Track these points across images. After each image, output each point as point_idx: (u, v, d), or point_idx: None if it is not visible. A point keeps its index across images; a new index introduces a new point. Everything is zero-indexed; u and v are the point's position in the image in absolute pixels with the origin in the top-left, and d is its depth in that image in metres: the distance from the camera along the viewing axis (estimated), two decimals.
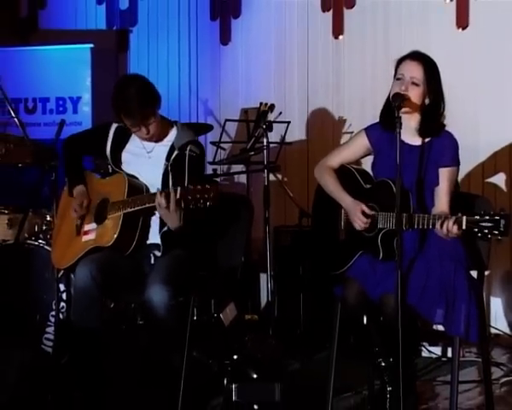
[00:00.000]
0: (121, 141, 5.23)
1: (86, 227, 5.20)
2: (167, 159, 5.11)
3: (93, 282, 4.93)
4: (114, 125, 5.27)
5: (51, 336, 5.64)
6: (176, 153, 5.10)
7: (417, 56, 4.76)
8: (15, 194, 6.26)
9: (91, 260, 5.03)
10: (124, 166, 5.21)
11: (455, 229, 4.41)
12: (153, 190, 5.03)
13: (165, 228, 5.01)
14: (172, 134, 5.20)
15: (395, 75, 4.75)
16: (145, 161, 5.18)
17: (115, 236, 5.01)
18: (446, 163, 4.71)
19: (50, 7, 8.23)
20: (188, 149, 5.10)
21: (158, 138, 5.16)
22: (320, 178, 4.95)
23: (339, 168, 4.91)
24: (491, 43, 6.99)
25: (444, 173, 4.70)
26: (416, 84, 4.70)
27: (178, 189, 4.71)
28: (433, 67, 4.76)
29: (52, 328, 5.65)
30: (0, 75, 5.84)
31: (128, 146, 5.22)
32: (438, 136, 4.74)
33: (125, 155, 5.23)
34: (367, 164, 4.99)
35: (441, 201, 4.68)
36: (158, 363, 5.10)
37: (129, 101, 5.01)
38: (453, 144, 4.74)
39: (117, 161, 5.23)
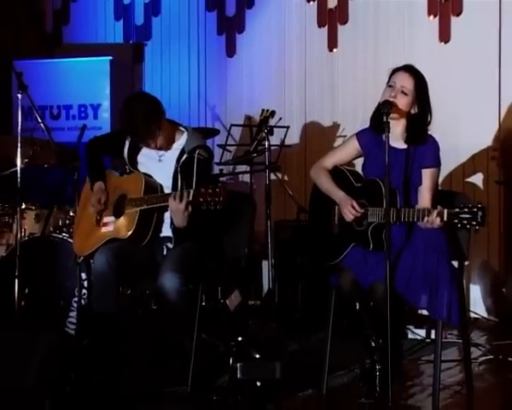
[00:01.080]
0: (137, 146, 5.22)
1: (105, 219, 5.20)
2: (177, 161, 5.10)
3: (109, 268, 4.95)
4: None
5: (74, 320, 5.64)
6: (185, 156, 5.09)
7: (410, 69, 4.79)
8: (42, 192, 6.26)
9: (108, 248, 5.05)
10: (139, 167, 5.21)
11: (437, 221, 4.44)
12: (165, 190, 5.08)
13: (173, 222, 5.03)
14: (183, 139, 5.18)
15: (388, 82, 4.77)
16: (157, 163, 5.18)
17: (132, 230, 5.02)
18: (429, 164, 4.73)
19: (73, 23, 8.22)
20: (196, 152, 5.09)
21: (167, 146, 5.15)
22: (315, 178, 4.96)
23: (332, 169, 4.92)
24: (471, 55, 7.00)
25: (426, 173, 4.72)
26: (405, 94, 4.72)
27: (191, 191, 4.73)
28: (423, 82, 4.78)
29: (75, 313, 5.65)
30: (28, 85, 5.83)
31: (143, 150, 5.21)
32: (423, 141, 4.76)
33: (140, 158, 5.23)
34: (358, 165, 5.01)
35: (424, 198, 4.70)
36: (170, 344, 5.11)
37: (133, 122, 5.01)
38: (435, 147, 4.76)
39: (133, 162, 5.23)
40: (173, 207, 4.84)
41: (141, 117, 4.97)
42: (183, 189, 4.92)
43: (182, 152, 5.11)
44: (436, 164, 4.75)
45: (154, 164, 5.18)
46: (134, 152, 5.23)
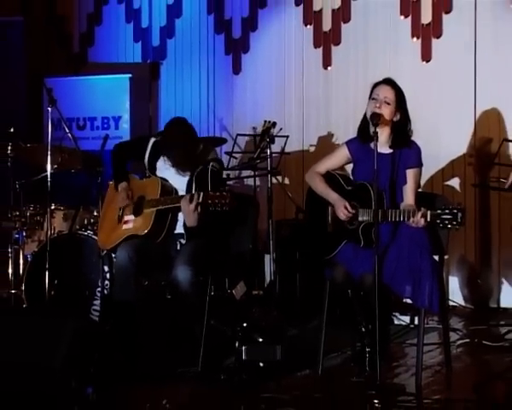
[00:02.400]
0: (157, 153, 5.23)
1: (126, 218, 5.21)
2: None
3: (130, 261, 4.97)
4: (152, 140, 5.28)
5: (97, 308, 5.65)
6: (200, 167, 5.11)
7: (389, 82, 4.80)
8: (69, 194, 6.26)
9: (129, 244, 5.06)
10: (157, 173, 5.22)
11: (422, 221, 4.46)
12: (180, 193, 5.09)
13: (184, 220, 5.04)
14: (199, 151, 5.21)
15: (370, 96, 4.77)
16: (174, 173, 5.17)
17: (149, 228, 5.03)
18: (413, 164, 4.75)
19: (97, 44, 8.22)
20: (211, 165, 5.13)
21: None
22: (310, 182, 4.95)
23: (325, 173, 4.91)
24: (449, 73, 7.01)
25: (410, 173, 4.73)
26: (388, 103, 4.72)
27: (201, 194, 4.75)
28: (401, 92, 4.80)
29: (98, 301, 5.66)
30: (57, 99, 5.83)
31: (162, 158, 5.21)
32: (406, 146, 4.76)
33: (159, 164, 5.23)
34: (348, 170, 5.01)
35: (408, 196, 4.71)
36: (182, 329, 5.11)
37: (173, 145, 5.08)
38: (417, 150, 4.78)
39: (152, 168, 5.23)
40: (185, 208, 4.86)
41: (181, 141, 5.06)
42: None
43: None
44: (419, 164, 4.78)
45: (172, 171, 5.17)
46: (154, 158, 5.23)
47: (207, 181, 5.07)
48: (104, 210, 5.49)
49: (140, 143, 5.39)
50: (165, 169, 5.19)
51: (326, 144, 7.10)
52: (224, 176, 6.69)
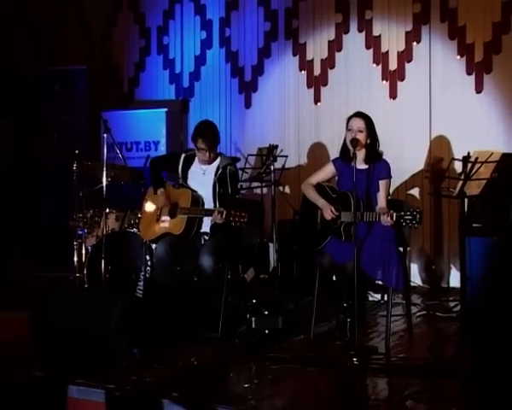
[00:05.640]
0: (188, 164, 5.24)
1: (163, 218, 5.20)
2: (215, 174, 5.13)
3: (166, 254, 4.96)
4: (183, 155, 5.29)
5: (141, 287, 5.63)
6: (220, 171, 5.13)
7: (359, 114, 4.81)
8: (119, 200, 6.26)
9: (166, 240, 5.06)
10: (188, 180, 5.22)
11: (389, 220, 4.45)
12: (206, 198, 5.09)
13: (212, 222, 5.03)
14: (218, 160, 5.21)
15: (347, 127, 4.77)
16: (202, 176, 5.18)
17: (181, 230, 5.04)
18: (384, 176, 4.76)
19: (141, 86, 8.19)
20: (228, 168, 5.15)
21: (210, 163, 5.17)
22: (304, 191, 4.95)
23: (316, 185, 4.91)
24: (410, 107, 6.99)
25: (382, 183, 4.74)
26: (361, 131, 4.73)
27: (224, 211, 4.76)
28: (370, 120, 4.79)
29: (142, 283, 5.64)
30: (111, 128, 5.84)
31: (192, 168, 5.23)
32: (378, 162, 4.75)
33: (190, 173, 5.23)
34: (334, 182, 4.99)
35: (381, 201, 4.73)
36: (206, 304, 5.09)
37: (207, 131, 5.11)
38: (387, 166, 4.79)
39: (185, 176, 5.23)
40: (215, 217, 4.86)
41: (211, 131, 5.14)
42: (221, 195, 5.04)
43: (218, 168, 5.16)
44: (388, 176, 4.78)
45: (200, 177, 5.18)
46: (186, 168, 5.23)
47: (227, 182, 5.09)
48: (144, 208, 5.44)
49: (172, 158, 5.39)
50: (196, 176, 5.18)
51: (316, 162, 7.07)
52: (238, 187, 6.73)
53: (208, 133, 5.11)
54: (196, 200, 5.09)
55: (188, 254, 5.08)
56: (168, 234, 5.11)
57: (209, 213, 4.94)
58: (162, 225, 5.19)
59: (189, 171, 5.23)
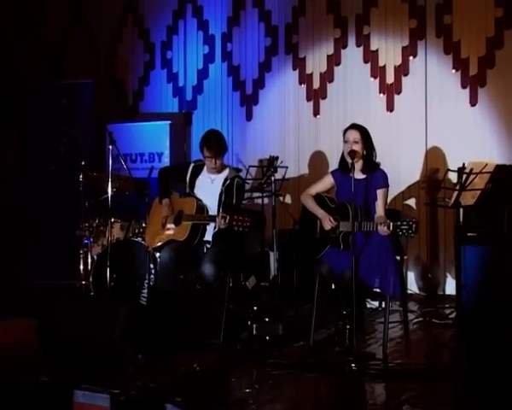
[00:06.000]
0: (196, 173, 5.27)
1: (168, 225, 5.22)
2: (223, 185, 5.15)
3: (170, 259, 4.98)
4: (192, 164, 5.33)
5: (145, 295, 5.60)
6: (228, 181, 5.15)
7: (354, 126, 4.83)
8: (124, 210, 6.26)
9: (170, 246, 5.08)
10: (196, 189, 5.23)
11: (386, 230, 4.45)
12: (211, 207, 5.10)
13: (215, 230, 5.03)
14: (226, 171, 5.25)
15: (343, 139, 4.79)
16: (209, 185, 5.20)
17: (185, 236, 5.05)
18: (381, 185, 4.75)
19: (146, 99, 8.21)
20: (236, 180, 5.16)
21: (218, 172, 5.20)
22: (304, 202, 4.95)
23: (315, 195, 4.91)
24: (407, 120, 7.00)
25: (380, 193, 4.74)
26: (357, 142, 4.74)
27: (228, 216, 4.77)
28: (365, 131, 4.80)
29: (146, 290, 5.63)
30: (116, 140, 5.85)
31: (200, 176, 5.26)
32: (375, 171, 4.75)
33: (197, 182, 5.25)
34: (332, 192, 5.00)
35: (379, 210, 4.72)
36: (208, 311, 5.09)
37: (212, 140, 5.15)
38: (384, 175, 4.79)
39: (192, 185, 5.25)
40: (218, 223, 4.88)
41: (217, 139, 5.18)
42: (225, 204, 5.02)
43: (226, 179, 5.18)
44: (386, 185, 4.77)
45: (208, 185, 5.21)
46: (194, 177, 5.27)
47: (233, 193, 5.10)
48: (150, 218, 5.48)
49: (181, 168, 5.44)
50: (203, 184, 5.20)
51: (316, 173, 7.08)
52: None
53: (213, 142, 5.15)
54: (201, 208, 5.11)
55: (191, 262, 5.08)
56: (173, 241, 5.12)
57: (213, 218, 4.94)
58: (167, 232, 5.21)
59: (197, 179, 5.26)
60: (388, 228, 4.45)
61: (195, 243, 5.08)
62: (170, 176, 5.45)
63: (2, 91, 7.87)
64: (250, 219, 4.71)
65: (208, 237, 5.12)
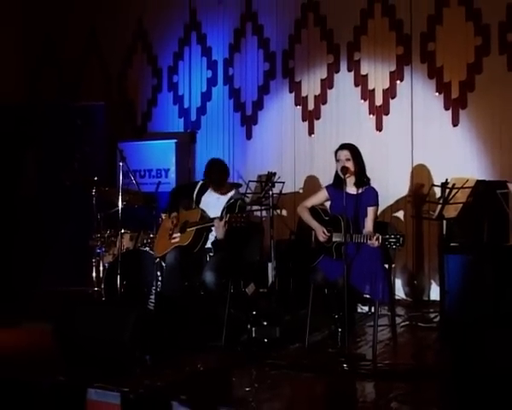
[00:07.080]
0: (203, 190, 5.32)
1: (174, 235, 5.25)
2: (227, 203, 5.19)
3: (176, 260, 5.03)
4: (201, 182, 5.38)
5: (153, 301, 5.61)
6: (232, 201, 5.19)
7: (344, 146, 4.85)
8: (133, 222, 6.28)
9: (176, 249, 5.13)
10: (201, 205, 5.28)
11: (376, 243, 4.46)
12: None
13: (215, 239, 5.05)
14: (233, 192, 5.30)
15: (336, 158, 4.82)
16: (215, 202, 5.25)
17: (189, 240, 5.10)
18: (371, 203, 4.76)
19: (153, 120, 8.24)
20: (238, 201, 5.20)
21: (224, 193, 5.26)
22: (300, 213, 4.97)
23: (310, 208, 4.92)
24: (395, 139, 7.01)
25: (370, 210, 4.74)
26: (348, 159, 4.76)
27: (227, 215, 4.85)
28: (354, 149, 4.82)
29: (153, 296, 5.64)
30: (126, 157, 5.88)
31: (206, 194, 5.31)
32: (366, 187, 4.76)
33: (204, 198, 5.30)
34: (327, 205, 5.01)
35: (368, 225, 4.72)
36: (211, 315, 5.10)
37: (214, 176, 5.21)
38: (375, 193, 4.79)
39: (198, 201, 5.30)
40: (217, 224, 4.94)
41: (218, 176, 5.23)
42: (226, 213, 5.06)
43: (230, 199, 5.22)
44: (376, 203, 4.78)
45: (214, 202, 5.25)
46: (200, 194, 5.32)
47: (235, 210, 5.12)
48: (160, 232, 5.52)
49: (190, 186, 5.53)
50: (209, 202, 5.24)
51: (310, 188, 7.09)
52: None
53: (215, 177, 5.21)
54: (204, 217, 5.16)
55: (194, 269, 5.09)
56: (178, 247, 5.14)
57: (212, 220, 5.00)
58: (173, 241, 5.24)
59: (203, 196, 5.31)
60: (378, 241, 4.46)
61: (198, 249, 5.10)
62: (180, 193, 5.51)
63: (23, 113, 7.92)
64: (245, 214, 4.81)
65: (209, 244, 5.14)
